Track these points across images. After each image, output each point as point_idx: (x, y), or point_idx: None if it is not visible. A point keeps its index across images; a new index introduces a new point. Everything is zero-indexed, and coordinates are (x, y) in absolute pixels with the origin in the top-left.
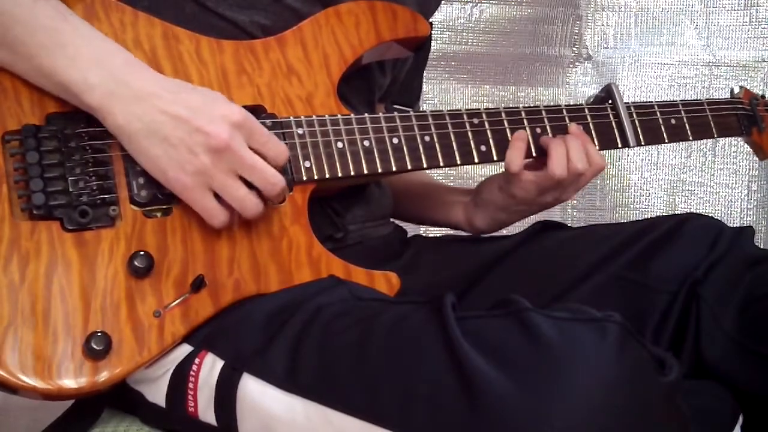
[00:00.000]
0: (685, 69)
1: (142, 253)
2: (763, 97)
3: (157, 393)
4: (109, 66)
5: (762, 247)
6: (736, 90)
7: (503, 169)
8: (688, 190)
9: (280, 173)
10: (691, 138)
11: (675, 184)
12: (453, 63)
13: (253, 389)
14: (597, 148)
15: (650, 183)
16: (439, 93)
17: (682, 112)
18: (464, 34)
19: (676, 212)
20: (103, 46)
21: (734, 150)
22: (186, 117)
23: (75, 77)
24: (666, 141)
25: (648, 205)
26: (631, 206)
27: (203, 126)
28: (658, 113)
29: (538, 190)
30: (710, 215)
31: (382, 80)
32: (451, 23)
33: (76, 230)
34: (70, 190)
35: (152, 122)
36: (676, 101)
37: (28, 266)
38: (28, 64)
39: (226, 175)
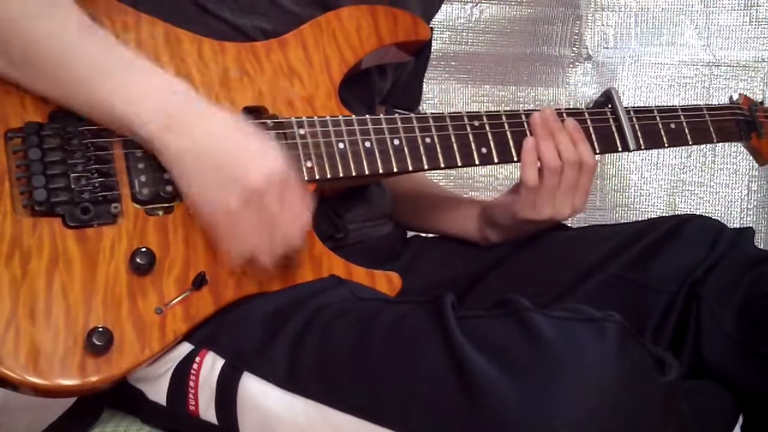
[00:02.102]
0: (685, 69)
1: (143, 249)
2: (761, 103)
3: (157, 391)
4: (165, 101)
5: (762, 247)
6: (735, 96)
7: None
8: (688, 190)
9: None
10: (690, 143)
11: (675, 184)
12: (453, 63)
13: (253, 388)
14: (597, 151)
15: (650, 183)
16: (439, 93)
17: (682, 117)
18: (464, 34)
19: (676, 212)
20: (161, 82)
21: (734, 150)
22: (228, 163)
23: (129, 112)
24: (666, 145)
25: (648, 205)
26: (631, 206)
27: (241, 175)
28: (657, 118)
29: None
30: (710, 215)
31: (383, 85)
32: (451, 23)
33: (78, 227)
34: (72, 187)
35: (199, 158)
36: (675, 106)
37: (29, 262)
38: (74, 95)
39: (249, 226)
